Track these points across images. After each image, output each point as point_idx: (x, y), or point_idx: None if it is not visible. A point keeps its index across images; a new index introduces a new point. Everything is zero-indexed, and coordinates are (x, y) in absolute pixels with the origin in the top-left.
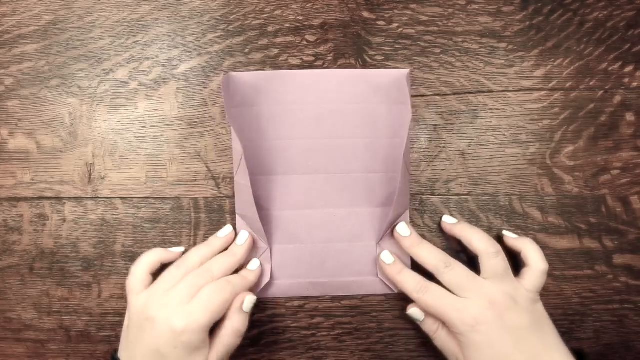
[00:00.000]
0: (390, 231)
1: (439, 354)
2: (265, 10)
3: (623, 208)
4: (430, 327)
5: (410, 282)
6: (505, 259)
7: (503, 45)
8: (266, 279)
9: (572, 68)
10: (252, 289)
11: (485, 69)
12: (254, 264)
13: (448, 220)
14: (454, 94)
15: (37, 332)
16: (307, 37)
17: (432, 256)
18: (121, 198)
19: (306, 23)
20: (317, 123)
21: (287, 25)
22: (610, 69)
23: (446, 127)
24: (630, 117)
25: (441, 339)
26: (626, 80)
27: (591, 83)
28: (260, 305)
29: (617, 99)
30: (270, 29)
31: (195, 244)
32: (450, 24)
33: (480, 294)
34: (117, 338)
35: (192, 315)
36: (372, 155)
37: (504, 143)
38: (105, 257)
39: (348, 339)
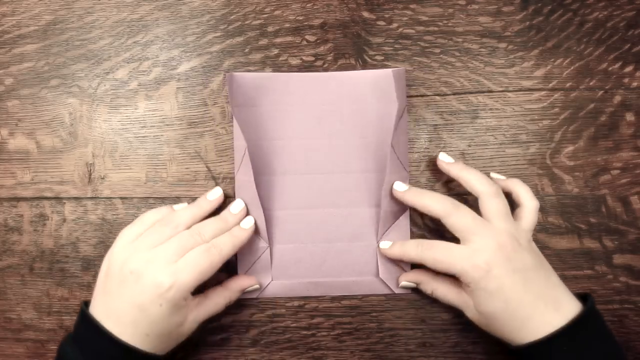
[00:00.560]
0: (390, 231)
1: (439, 354)
2: (265, 10)
3: (623, 208)
4: (426, 290)
5: (413, 248)
6: (505, 200)
7: (503, 45)
8: (266, 279)
9: (572, 68)
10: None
11: (485, 69)
12: (248, 222)
13: (444, 159)
14: (454, 94)
15: (37, 332)
16: (307, 37)
17: (436, 202)
18: (121, 198)
19: (306, 23)
20: (317, 123)
21: (287, 25)
22: (610, 69)
23: (446, 127)
24: (630, 117)
25: (440, 295)
26: (626, 80)
27: (591, 83)
28: (260, 305)
29: (617, 99)
30: (270, 29)
31: None
32: (450, 24)
33: (487, 236)
34: None
35: (179, 275)
36: (372, 155)
37: (504, 143)
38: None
39: (348, 339)
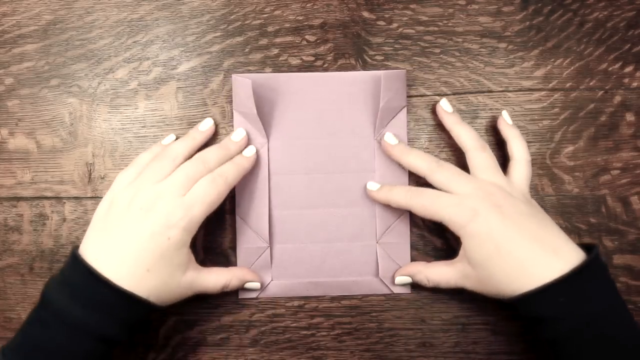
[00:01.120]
0: (390, 231)
1: (439, 354)
2: (265, 10)
3: (623, 208)
4: (421, 280)
5: (401, 193)
6: (493, 155)
7: (503, 45)
8: (266, 279)
9: (572, 68)
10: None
11: (485, 69)
12: (250, 150)
13: (444, 107)
14: (454, 94)
15: None
16: (307, 37)
17: (420, 160)
18: None
19: (306, 23)
20: (317, 123)
21: (287, 25)
22: (610, 69)
23: None
24: (630, 117)
25: (435, 279)
26: (626, 80)
27: (591, 83)
28: (260, 305)
29: (617, 99)
30: (270, 29)
31: (194, 244)
32: (450, 24)
33: (474, 186)
34: None
35: (190, 208)
36: (371, 155)
37: (504, 143)
38: None
39: (348, 339)
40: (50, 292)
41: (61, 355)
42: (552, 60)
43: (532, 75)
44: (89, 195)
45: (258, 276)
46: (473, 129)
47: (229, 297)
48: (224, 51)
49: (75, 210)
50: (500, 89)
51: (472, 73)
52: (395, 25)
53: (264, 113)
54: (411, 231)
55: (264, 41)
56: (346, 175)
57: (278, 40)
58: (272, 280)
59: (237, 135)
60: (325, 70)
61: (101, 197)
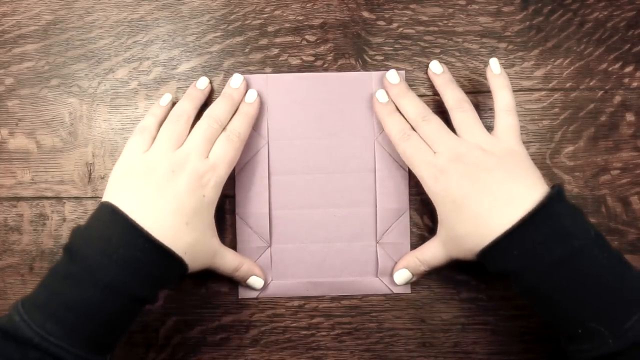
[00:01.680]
0: (390, 231)
1: (439, 354)
2: (265, 10)
3: (623, 208)
4: (417, 269)
5: (395, 127)
6: (475, 113)
7: (503, 45)
8: (266, 279)
9: (572, 68)
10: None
11: (485, 69)
12: (252, 95)
13: (434, 69)
14: None
15: None
16: (307, 37)
17: (412, 108)
18: None
19: (306, 23)
20: (317, 123)
21: (287, 25)
22: (610, 69)
23: None
24: (630, 117)
25: (429, 260)
26: (626, 80)
27: (591, 83)
28: (260, 305)
29: (617, 99)
30: (270, 29)
31: None
32: (450, 24)
33: (448, 147)
34: None
35: (215, 168)
36: (371, 155)
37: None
38: None
39: (348, 339)
40: (81, 246)
41: (93, 313)
42: (552, 60)
43: (532, 75)
44: (89, 195)
45: (264, 274)
46: (459, 88)
47: (229, 297)
48: (224, 51)
49: (75, 210)
50: None
51: (472, 73)
52: (395, 25)
53: (264, 113)
54: (411, 231)
55: (264, 41)
56: (346, 175)
57: (278, 40)
58: (272, 280)
59: (236, 81)
60: (325, 70)
61: (101, 197)
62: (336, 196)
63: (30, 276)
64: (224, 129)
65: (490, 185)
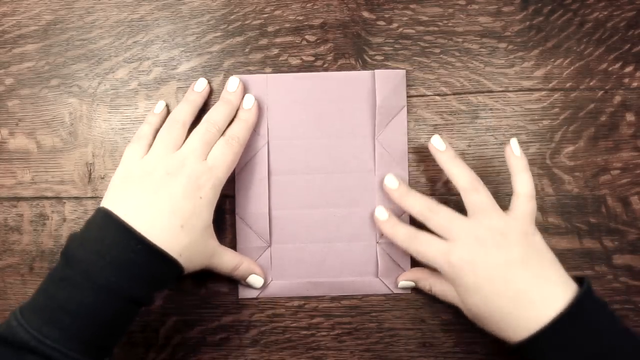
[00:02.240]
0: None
1: (439, 354)
2: (265, 10)
3: (623, 208)
4: (424, 287)
5: (401, 234)
6: (489, 193)
7: (503, 45)
8: (266, 279)
9: (572, 68)
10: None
11: (485, 69)
12: (249, 101)
13: (436, 145)
14: (454, 94)
15: None
16: (307, 37)
17: (417, 203)
18: None
19: (306, 23)
20: (317, 123)
21: (287, 25)
22: (610, 69)
23: (446, 127)
24: (630, 117)
25: (437, 292)
26: (626, 80)
27: (591, 83)
28: (260, 305)
29: (617, 99)
30: (270, 29)
31: None
32: (450, 24)
33: (465, 233)
34: None
35: (213, 170)
36: (371, 155)
37: (504, 143)
38: None
39: (348, 339)
40: (76, 249)
41: (88, 315)
42: (552, 60)
43: (532, 75)
44: (89, 195)
45: (264, 273)
46: (467, 167)
47: (229, 297)
48: (224, 51)
49: (75, 210)
50: (500, 89)
51: (472, 73)
52: (395, 25)
53: (264, 113)
54: None
55: (264, 41)
56: (346, 175)
57: (278, 40)
58: (272, 280)
59: (232, 84)
60: (325, 70)
61: (101, 197)
62: (336, 196)
63: (30, 276)
64: (223, 133)
65: (521, 285)
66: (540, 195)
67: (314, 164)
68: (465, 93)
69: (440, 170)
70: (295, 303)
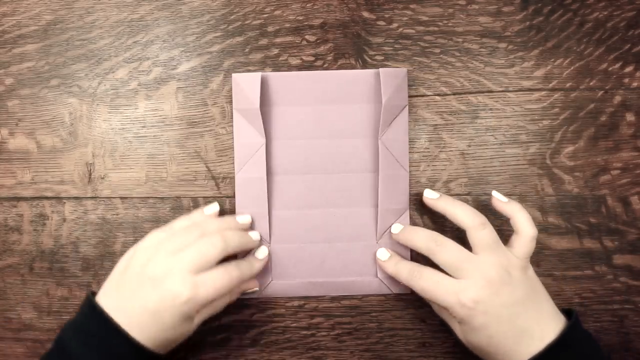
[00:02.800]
0: (390, 231)
1: (439, 354)
2: (265, 10)
3: (623, 208)
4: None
5: (405, 271)
6: (493, 229)
7: (503, 45)
8: (266, 279)
9: (572, 68)
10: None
11: (485, 69)
12: (262, 252)
13: (430, 195)
14: (454, 94)
15: (37, 332)
16: (307, 37)
17: (422, 239)
18: (121, 198)
19: (306, 23)
20: (317, 123)
21: (287, 25)
22: (610, 69)
23: (446, 127)
24: (630, 117)
25: (435, 308)
26: (626, 80)
27: (591, 83)
28: (260, 305)
29: (617, 99)
30: (270, 29)
31: None
32: (450, 24)
33: (475, 272)
34: None
35: (198, 290)
36: (372, 155)
37: (504, 143)
38: (105, 257)
39: (348, 339)
40: (66, 337)
41: None
42: (552, 60)
43: (532, 75)
44: (89, 195)
45: (255, 281)
46: (467, 206)
47: None
48: (224, 51)
49: (75, 211)
50: (500, 89)
51: (472, 73)
52: (395, 25)
53: (264, 112)
54: None
55: (264, 41)
56: (346, 175)
57: (278, 40)
58: (272, 280)
59: (255, 234)
60: (326, 70)
61: (101, 197)
62: (336, 196)
63: (30, 276)
64: (227, 259)
65: (525, 323)
66: (540, 195)
67: (314, 164)
68: (465, 93)
69: (440, 170)
70: (295, 303)
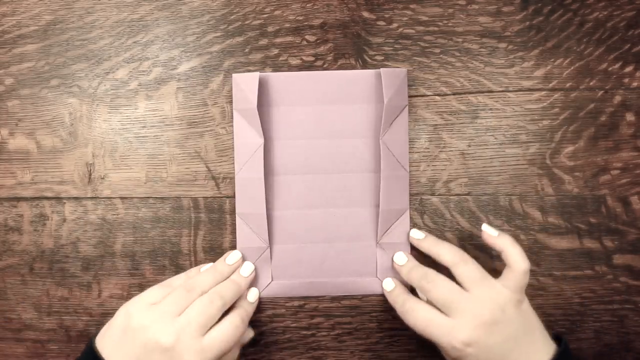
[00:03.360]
0: (390, 231)
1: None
2: (265, 10)
3: (623, 208)
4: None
5: (399, 304)
6: (476, 264)
7: (503, 45)
8: (266, 279)
9: (572, 68)
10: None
11: (485, 69)
12: (253, 295)
13: (415, 235)
14: (454, 94)
15: (37, 332)
16: (307, 37)
17: (416, 276)
18: (121, 198)
19: (306, 23)
20: (317, 123)
21: (287, 25)
22: (610, 69)
23: (446, 127)
24: (630, 117)
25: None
26: (626, 80)
27: (591, 83)
28: (260, 305)
29: (617, 99)
30: (270, 29)
31: (195, 244)
32: (450, 24)
33: (467, 311)
34: None
35: (206, 354)
36: (371, 155)
37: (504, 143)
38: (105, 257)
39: (348, 339)
40: None
41: None
42: (552, 60)
43: (532, 75)
44: (89, 195)
45: (251, 330)
46: (450, 244)
47: None
48: (224, 51)
49: (75, 211)
50: (500, 89)
51: (472, 73)
52: (395, 25)
53: (265, 113)
54: None
55: (264, 41)
56: (346, 175)
57: (278, 40)
58: (272, 280)
59: (246, 270)
60: (326, 70)
61: (101, 198)
62: (336, 196)
63: (30, 276)
64: (228, 310)
65: (509, 356)
66: (540, 195)
67: (314, 164)
68: (465, 93)
69: (440, 170)
70: (295, 303)
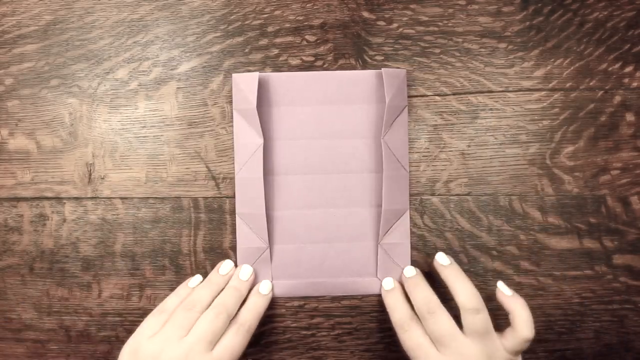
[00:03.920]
0: (390, 231)
1: None
2: (265, 10)
3: (623, 208)
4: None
5: (397, 314)
6: (488, 317)
7: (503, 45)
8: (266, 279)
9: (572, 68)
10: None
11: (485, 69)
12: (265, 287)
13: (440, 261)
14: (454, 94)
15: (37, 332)
16: (307, 37)
17: (419, 298)
18: (121, 198)
19: (306, 23)
20: (317, 123)
21: (287, 25)
22: (610, 69)
23: (446, 127)
24: (630, 117)
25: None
26: (626, 80)
27: (591, 83)
28: None
29: (617, 99)
30: (270, 29)
31: (195, 244)
32: (450, 24)
33: (457, 354)
34: (117, 338)
35: None
36: (371, 155)
37: (504, 143)
38: (105, 257)
39: (348, 339)
40: None
41: None
42: (552, 60)
43: (532, 75)
44: (89, 195)
45: None
46: (471, 285)
47: None
48: (224, 51)
49: (75, 211)
50: (500, 89)
51: (472, 73)
52: (395, 25)
53: (265, 113)
54: (411, 231)
55: (264, 41)
56: (346, 175)
57: (278, 40)
58: (272, 280)
59: (245, 273)
60: (326, 70)
61: (101, 198)
62: (336, 196)
63: (30, 276)
64: (232, 319)
65: None
66: (540, 195)
67: (314, 164)
68: (465, 93)
69: (440, 170)
70: (295, 303)
